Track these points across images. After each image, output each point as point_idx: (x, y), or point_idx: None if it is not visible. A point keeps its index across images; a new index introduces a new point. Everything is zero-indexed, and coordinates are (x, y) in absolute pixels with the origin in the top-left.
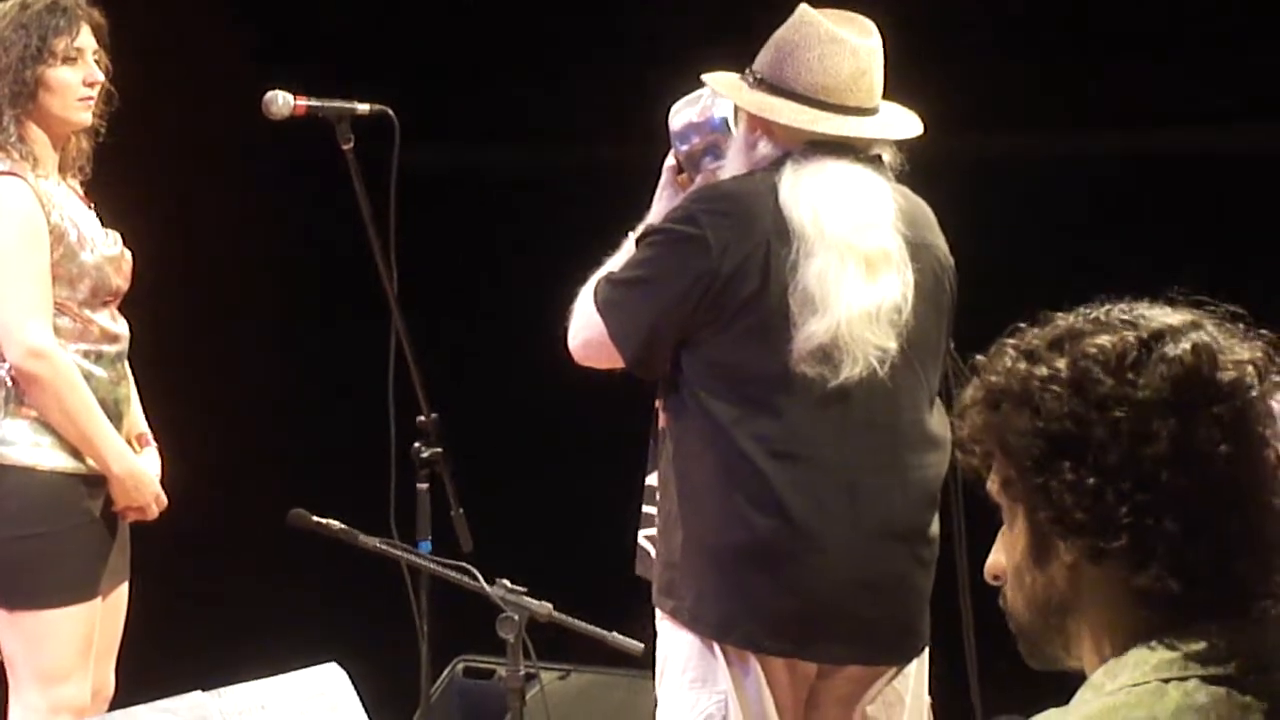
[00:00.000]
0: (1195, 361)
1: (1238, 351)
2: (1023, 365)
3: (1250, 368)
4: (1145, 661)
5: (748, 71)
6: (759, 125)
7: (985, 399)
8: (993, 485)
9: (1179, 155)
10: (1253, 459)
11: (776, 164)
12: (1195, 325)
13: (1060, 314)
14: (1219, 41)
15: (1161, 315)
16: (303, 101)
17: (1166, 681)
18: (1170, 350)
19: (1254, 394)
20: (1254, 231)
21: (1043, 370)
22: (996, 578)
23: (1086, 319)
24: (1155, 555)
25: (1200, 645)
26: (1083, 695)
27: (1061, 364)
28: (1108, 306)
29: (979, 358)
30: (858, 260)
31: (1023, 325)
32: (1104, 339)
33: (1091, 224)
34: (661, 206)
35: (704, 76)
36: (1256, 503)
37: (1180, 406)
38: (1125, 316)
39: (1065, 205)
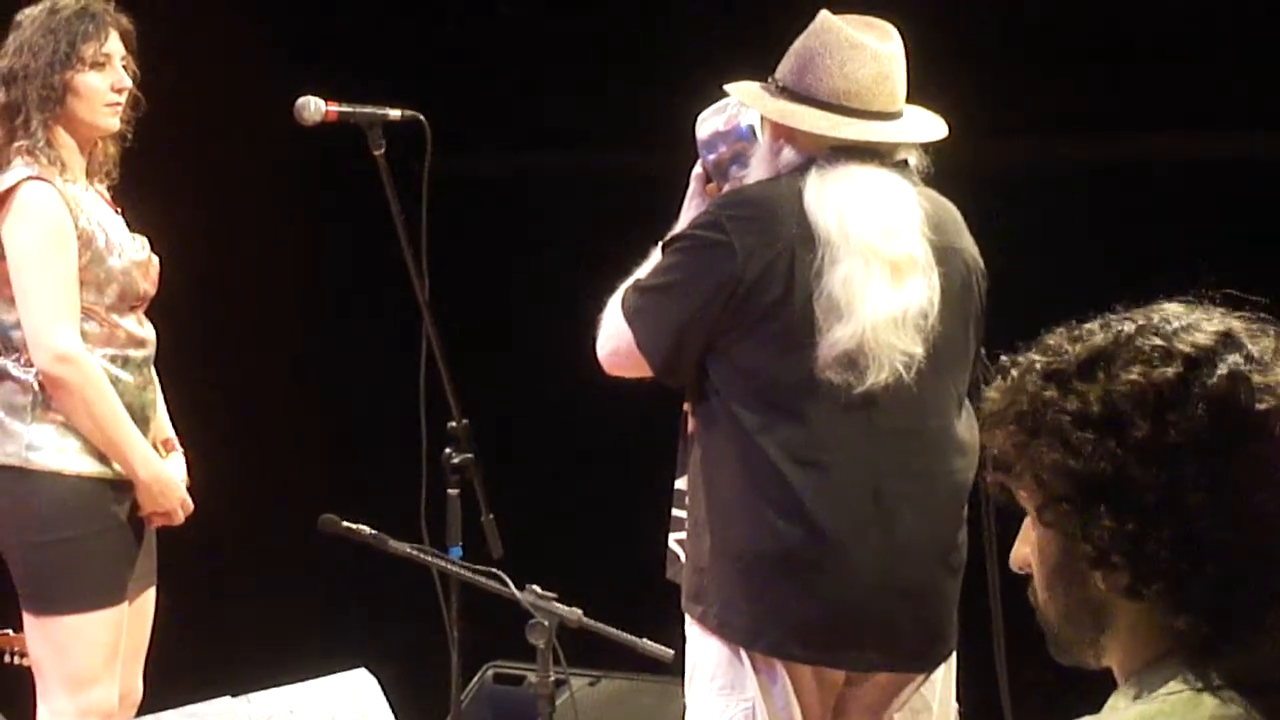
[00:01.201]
0: (1232, 395)
1: (1275, 372)
2: (1052, 393)
3: None
4: (1179, 673)
5: (770, 79)
6: (782, 133)
7: (1015, 422)
8: (1019, 496)
9: (1210, 159)
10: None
11: (801, 170)
12: (1228, 339)
13: (1089, 324)
14: (1248, 46)
15: (1192, 330)
16: (334, 108)
17: (1200, 691)
18: (1207, 382)
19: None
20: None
21: (1074, 404)
22: (1022, 568)
23: (1117, 337)
24: (1192, 601)
25: (1231, 661)
26: (1114, 703)
27: (1094, 396)
28: (1136, 318)
29: (1004, 359)
30: (883, 265)
31: (1051, 333)
32: (1137, 372)
33: (1118, 228)
34: (689, 215)
35: (727, 86)
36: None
37: (1218, 447)
38: (1157, 340)
39: (1090, 210)
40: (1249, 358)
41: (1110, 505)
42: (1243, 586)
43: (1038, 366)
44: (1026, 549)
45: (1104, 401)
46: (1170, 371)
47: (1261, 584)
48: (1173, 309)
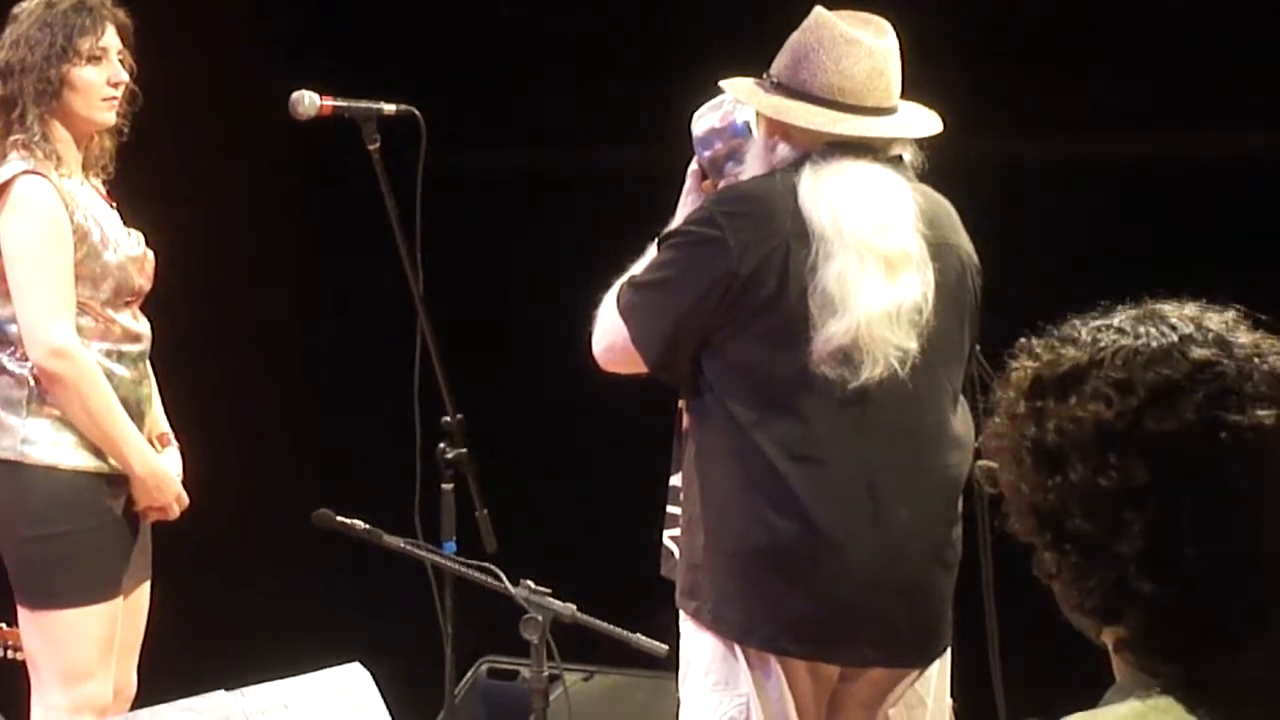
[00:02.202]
0: (1183, 440)
1: (1253, 412)
2: (1022, 409)
3: (1268, 424)
4: (1152, 685)
5: (765, 75)
6: (777, 129)
7: (997, 427)
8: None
9: (1209, 158)
10: (1239, 528)
11: (796, 165)
12: (1208, 370)
13: (1087, 327)
14: (1249, 44)
15: (1166, 360)
16: (329, 102)
17: (1177, 701)
18: (1152, 429)
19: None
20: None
21: (1032, 431)
22: None
23: (1093, 355)
24: (1125, 630)
25: (1227, 670)
26: (1109, 698)
27: (1052, 425)
28: (1127, 329)
29: (1022, 341)
30: (877, 261)
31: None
32: (1089, 409)
33: (1115, 226)
34: (685, 212)
35: (722, 82)
36: (1251, 582)
37: (1158, 493)
38: (1122, 375)
39: (1086, 207)
40: (1219, 396)
41: (1054, 536)
42: (1176, 626)
43: (1028, 370)
44: None
45: (1058, 432)
46: (1119, 410)
47: (1197, 623)
48: (1180, 315)
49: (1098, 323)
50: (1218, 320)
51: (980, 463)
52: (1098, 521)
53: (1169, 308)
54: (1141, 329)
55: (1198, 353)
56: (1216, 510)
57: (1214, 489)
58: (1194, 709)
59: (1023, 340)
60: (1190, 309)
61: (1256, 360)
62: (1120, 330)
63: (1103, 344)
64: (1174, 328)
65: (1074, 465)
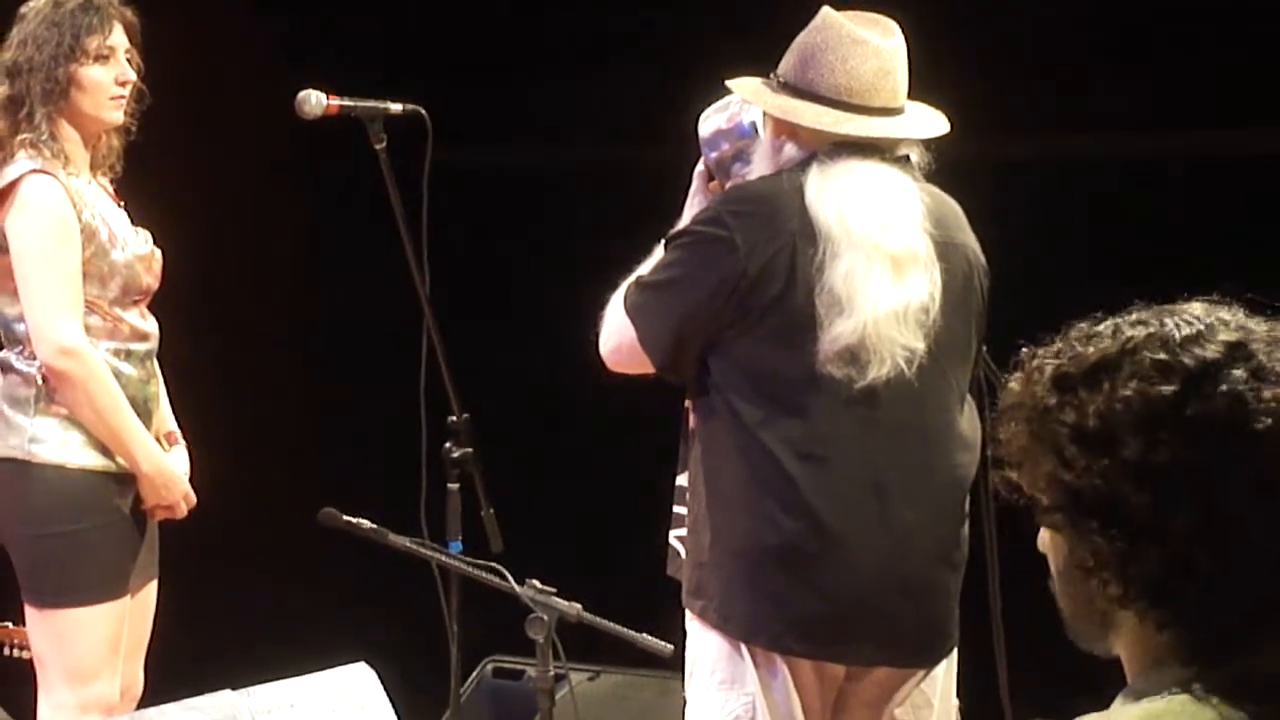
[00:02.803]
0: (1229, 415)
1: (1274, 388)
2: (1053, 400)
3: None
4: (1175, 679)
5: (772, 76)
6: (784, 129)
7: (1023, 422)
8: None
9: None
10: None
11: (802, 165)
12: (1237, 351)
13: (1106, 324)
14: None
15: (1202, 341)
16: (335, 101)
17: (1207, 692)
18: (1203, 401)
19: None
20: None
21: (1071, 417)
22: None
23: (1124, 345)
24: (1177, 619)
25: (1240, 669)
26: (1121, 701)
27: (1092, 410)
28: (1150, 322)
29: (1024, 350)
30: (884, 260)
31: (1072, 327)
32: (1134, 388)
33: (1122, 227)
34: (692, 212)
35: (729, 83)
36: None
37: (1210, 469)
38: (1160, 355)
39: (1093, 206)
40: (1256, 372)
41: (1100, 522)
42: (1230, 606)
43: (1047, 369)
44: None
45: (1100, 416)
46: (1166, 390)
47: (1249, 604)
48: (1193, 311)
49: (1114, 320)
50: (1229, 312)
51: (997, 473)
52: (1153, 498)
53: (1180, 305)
54: (1165, 319)
55: (1226, 335)
56: (1267, 482)
57: (1263, 461)
58: (1237, 704)
59: (1025, 349)
60: (1198, 306)
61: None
62: (1142, 323)
63: (1129, 334)
64: (1196, 317)
65: (1126, 444)
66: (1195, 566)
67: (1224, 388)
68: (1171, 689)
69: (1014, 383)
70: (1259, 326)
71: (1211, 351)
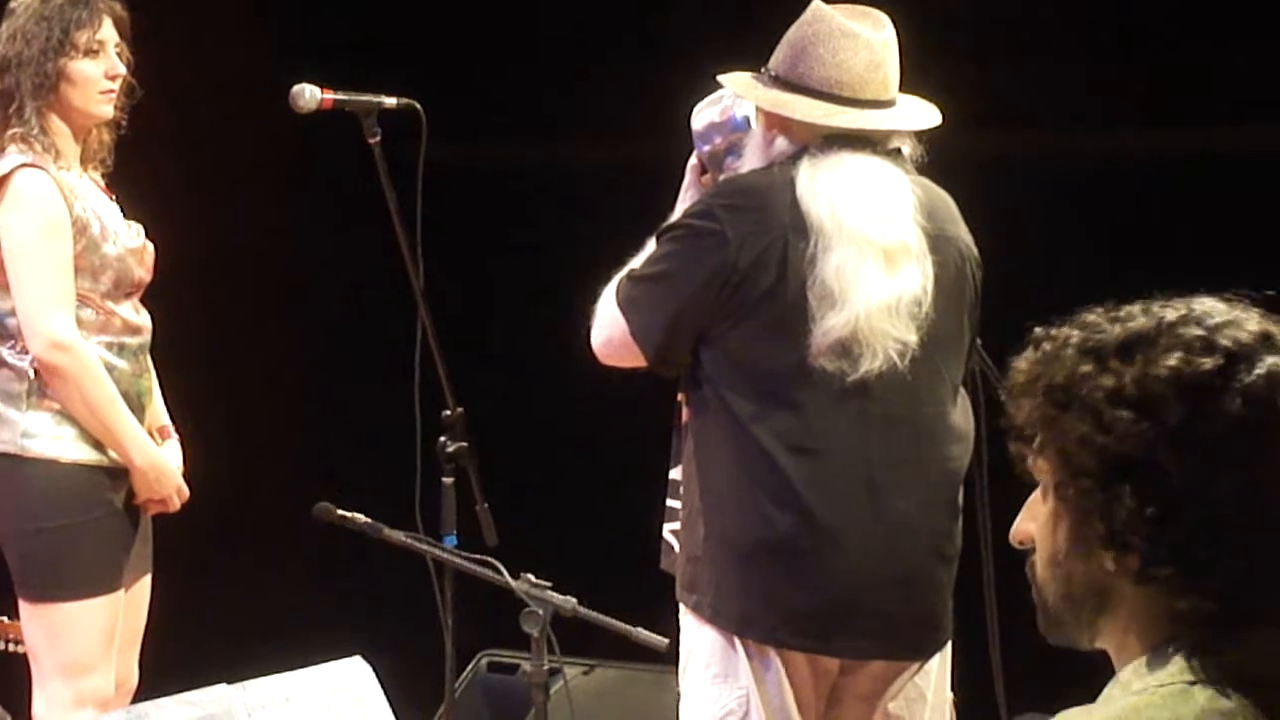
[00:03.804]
0: (1270, 394)
1: None
2: (1088, 368)
3: None
4: (1174, 663)
5: (763, 70)
6: (776, 122)
7: (1045, 394)
8: (1035, 468)
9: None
10: None
11: (794, 158)
12: (1268, 340)
13: (1129, 308)
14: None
15: (1234, 327)
16: (330, 95)
17: (1193, 684)
18: (1245, 378)
19: None
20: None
21: (1109, 381)
22: (1023, 543)
23: (1158, 322)
24: (1203, 585)
25: (1231, 654)
26: (1109, 693)
27: (1130, 377)
28: (1177, 307)
29: (1037, 331)
30: (876, 253)
31: (1088, 311)
32: (1177, 358)
33: (1115, 219)
34: (685, 206)
35: (720, 77)
36: None
37: (1251, 444)
38: (1198, 330)
39: (1087, 200)
40: None
41: (1135, 486)
42: (1258, 579)
43: (1074, 341)
44: (1030, 525)
45: (1140, 383)
46: (1210, 363)
47: (1275, 579)
48: (1212, 304)
49: (1141, 303)
50: (1243, 308)
51: (1011, 444)
52: (1193, 465)
53: (1193, 298)
54: (1194, 304)
55: (1253, 325)
56: None
57: None
58: (1224, 693)
59: (1038, 329)
60: (1210, 299)
61: None
62: (1170, 307)
63: (1161, 314)
64: (1220, 309)
65: (1170, 410)
66: (1230, 533)
67: (1262, 369)
68: (1157, 677)
69: (1024, 362)
70: (1275, 326)
71: (1245, 336)
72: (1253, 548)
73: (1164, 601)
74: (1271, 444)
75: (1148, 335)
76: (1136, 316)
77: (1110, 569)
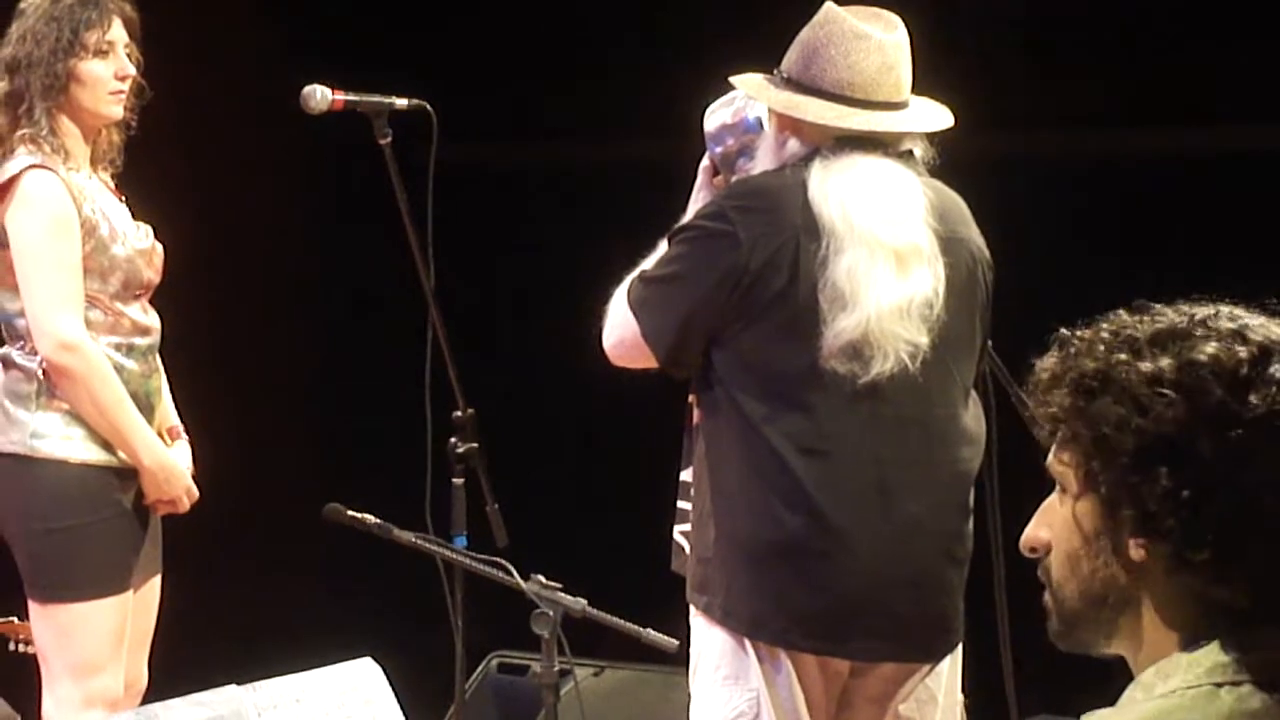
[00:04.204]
0: None
1: None
2: (1123, 355)
3: None
4: (1199, 664)
5: (776, 71)
6: (788, 124)
7: (1077, 382)
8: (1057, 464)
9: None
10: None
11: (806, 160)
12: None
13: (1160, 307)
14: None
15: (1262, 326)
16: (340, 96)
17: (1219, 686)
18: (1279, 369)
19: None
20: None
21: (1147, 366)
22: (1034, 550)
23: (1190, 317)
24: (1237, 572)
25: (1256, 652)
26: (1132, 694)
27: (1166, 364)
28: (1204, 307)
29: (1063, 332)
30: (888, 255)
31: (1122, 313)
32: (1214, 346)
33: (1125, 221)
34: (696, 208)
35: (733, 78)
36: None
37: None
38: (1230, 325)
39: (1097, 202)
40: None
41: (1171, 468)
42: None
43: (1105, 335)
44: (1041, 531)
45: (1178, 369)
46: (1245, 352)
47: None
48: (1234, 309)
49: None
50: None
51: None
52: (1231, 447)
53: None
54: (1220, 306)
55: (1276, 326)
56: None
57: None
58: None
59: (1062, 330)
60: (1230, 308)
61: None
62: (1200, 307)
63: (1193, 312)
64: (1243, 312)
65: (1209, 393)
66: (1262, 522)
67: None
68: (1184, 679)
69: (1049, 360)
70: None
71: (1276, 334)
72: None
73: (1195, 591)
74: None
75: (1180, 329)
76: (1166, 314)
77: (1139, 559)
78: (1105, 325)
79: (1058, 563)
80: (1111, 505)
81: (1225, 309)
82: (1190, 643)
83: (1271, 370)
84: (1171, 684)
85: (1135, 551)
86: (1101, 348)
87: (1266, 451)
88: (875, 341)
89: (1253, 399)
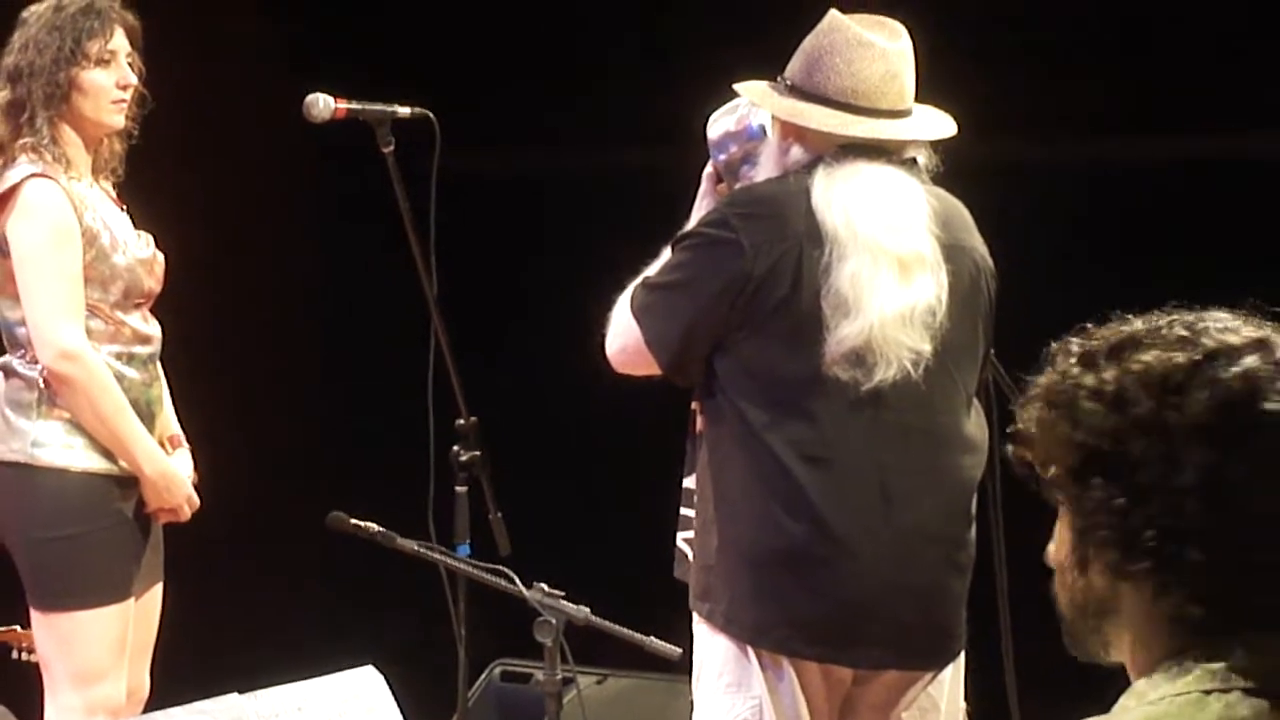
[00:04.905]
0: (1240, 390)
1: None
2: (1076, 369)
3: None
4: (1187, 672)
5: (780, 79)
6: (791, 131)
7: (1043, 399)
8: (1046, 478)
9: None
10: None
11: (809, 167)
12: (1260, 345)
13: (1132, 317)
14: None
15: (1227, 331)
16: (344, 104)
17: (1208, 693)
18: (1218, 375)
19: None
20: None
21: (1090, 380)
22: (1051, 563)
23: (1151, 327)
24: (1177, 582)
25: (1241, 660)
26: (1124, 703)
27: (1110, 376)
28: (1181, 314)
29: (1055, 346)
30: (890, 262)
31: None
32: (1152, 355)
33: (1127, 228)
34: (700, 215)
35: (737, 86)
36: None
37: (1217, 436)
38: (1184, 332)
39: (1103, 211)
40: (1277, 363)
41: (1105, 477)
42: (1229, 568)
43: (1074, 349)
44: (1051, 544)
45: (1117, 380)
46: (1183, 358)
47: (1249, 566)
48: (1222, 314)
49: (1154, 312)
50: (1257, 322)
51: (1011, 446)
52: (1156, 454)
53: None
54: (1193, 315)
55: (1252, 332)
56: (1269, 466)
57: (1269, 444)
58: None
59: (1055, 345)
60: (1224, 313)
61: None
62: (1172, 314)
63: (1157, 320)
64: (1225, 317)
65: (1138, 403)
66: (1195, 529)
67: (1238, 368)
68: (1174, 686)
69: (1043, 375)
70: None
71: (1234, 339)
72: (1222, 545)
73: (1145, 604)
74: (1240, 440)
75: (1136, 338)
76: (1134, 323)
77: (1094, 572)
78: (1075, 339)
79: (1055, 575)
80: (1069, 520)
81: (1200, 317)
82: (1176, 652)
83: (1209, 374)
84: (1161, 691)
85: (1092, 565)
86: (1062, 362)
87: (1192, 458)
88: (878, 348)
89: (1182, 404)
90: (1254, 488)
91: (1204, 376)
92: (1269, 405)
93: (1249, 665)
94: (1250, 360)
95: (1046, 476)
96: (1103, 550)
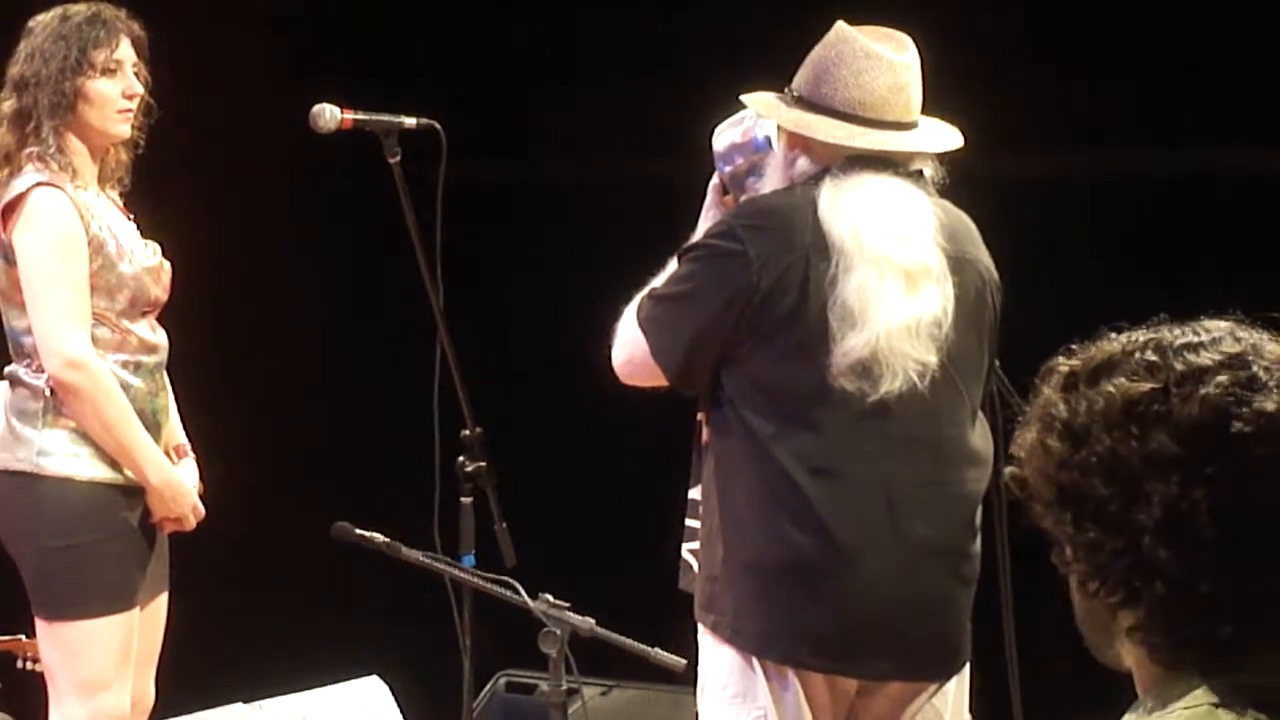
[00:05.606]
0: (1202, 417)
1: (1261, 400)
2: (1057, 395)
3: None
4: (1194, 687)
5: (786, 90)
6: (798, 143)
7: (1031, 423)
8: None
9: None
10: (1260, 512)
11: (816, 179)
12: (1233, 362)
13: (1113, 334)
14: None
15: (1199, 349)
16: (350, 115)
17: (1217, 706)
18: (1179, 401)
19: (1270, 447)
20: None
21: (1064, 412)
22: None
23: (1126, 349)
24: (1147, 615)
25: (1245, 679)
26: (1131, 715)
27: (1081, 407)
28: (1161, 330)
29: (1044, 366)
30: (897, 274)
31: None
32: (1114, 385)
33: (1136, 243)
34: (706, 227)
35: (743, 97)
36: (1263, 560)
37: (1179, 467)
38: (1154, 357)
39: (1107, 223)
40: (1247, 382)
41: (1074, 513)
42: (1192, 601)
43: (1063, 367)
44: None
45: (1086, 412)
46: (1145, 388)
47: (1212, 598)
48: (1211, 325)
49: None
50: (1249, 331)
51: (1008, 469)
52: (1117, 490)
53: (1204, 320)
54: (1176, 328)
55: (1229, 347)
56: (1237, 490)
57: (1235, 469)
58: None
59: (1045, 365)
60: (1222, 322)
61: None
62: (1155, 330)
63: (1136, 338)
64: (1208, 329)
65: (1099, 437)
66: (1158, 565)
67: (1204, 391)
68: (1183, 700)
69: (1037, 397)
70: (1274, 346)
71: (1205, 359)
72: (1181, 578)
73: (1144, 631)
74: (1200, 467)
75: (1111, 361)
76: (1114, 342)
77: (1078, 597)
78: (1064, 361)
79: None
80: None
81: (1178, 331)
82: (1174, 671)
83: (1170, 402)
84: (1170, 705)
85: (1086, 587)
86: (1048, 387)
87: (1154, 490)
88: (884, 360)
89: (1145, 439)
90: (1216, 516)
91: (1161, 407)
92: (1235, 428)
93: (1255, 684)
94: (1218, 380)
95: (1035, 509)
96: (1085, 579)
